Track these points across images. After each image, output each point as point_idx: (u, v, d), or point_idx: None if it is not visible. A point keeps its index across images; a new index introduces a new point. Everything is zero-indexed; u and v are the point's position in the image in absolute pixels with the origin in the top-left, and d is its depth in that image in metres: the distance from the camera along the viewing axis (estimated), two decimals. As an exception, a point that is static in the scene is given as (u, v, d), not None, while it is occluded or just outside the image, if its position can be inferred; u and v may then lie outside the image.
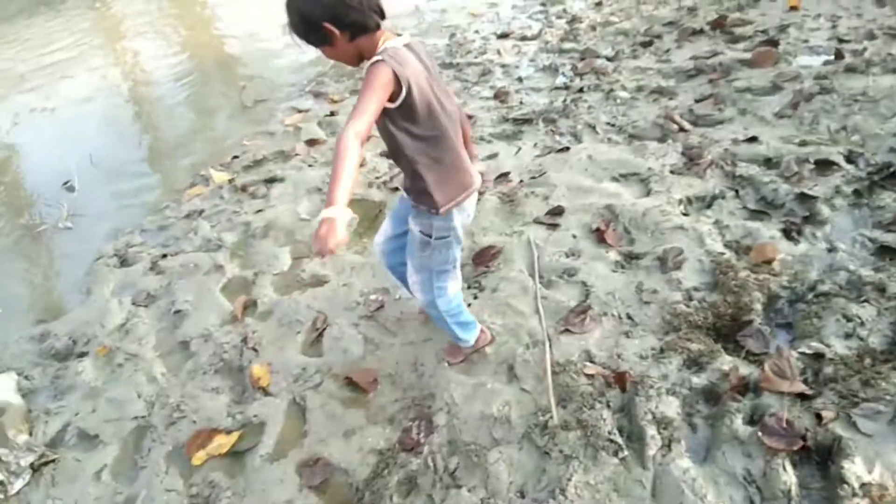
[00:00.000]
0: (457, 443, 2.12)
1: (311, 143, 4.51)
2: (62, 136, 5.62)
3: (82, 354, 3.01)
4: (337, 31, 1.70)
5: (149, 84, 6.59)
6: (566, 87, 4.59)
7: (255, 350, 2.75)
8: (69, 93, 6.52)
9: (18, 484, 2.39)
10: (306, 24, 1.72)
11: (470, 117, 4.15)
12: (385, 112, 1.70)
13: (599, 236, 2.92)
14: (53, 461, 2.48)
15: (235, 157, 4.58)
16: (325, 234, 1.47)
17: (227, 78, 6.45)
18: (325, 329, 2.78)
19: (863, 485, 1.69)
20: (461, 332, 2.34)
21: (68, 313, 3.32)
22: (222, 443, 2.36)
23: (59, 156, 5.12)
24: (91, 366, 2.91)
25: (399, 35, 1.80)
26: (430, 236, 1.98)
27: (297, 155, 4.38)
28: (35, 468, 2.44)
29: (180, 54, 7.18)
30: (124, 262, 3.64)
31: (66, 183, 4.71)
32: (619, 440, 1.99)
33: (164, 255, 3.57)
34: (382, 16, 1.75)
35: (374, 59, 1.66)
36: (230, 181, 4.24)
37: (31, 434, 2.59)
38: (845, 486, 1.70)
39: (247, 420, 2.44)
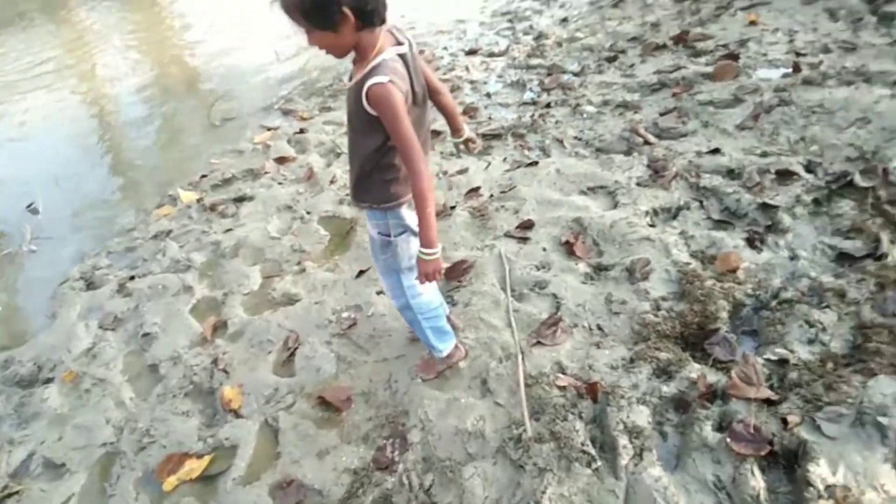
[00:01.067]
0: (431, 459, 2.12)
1: (281, 160, 4.49)
2: (25, 157, 5.51)
3: (48, 381, 2.95)
4: (353, 18, 1.61)
5: (116, 103, 6.51)
6: (534, 103, 4.65)
7: (225, 371, 2.72)
8: (33, 112, 6.40)
9: (-19, 517, 2.33)
10: (320, 3, 1.59)
11: (438, 133, 4.16)
12: (375, 118, 1.71)
13: (569, 249, 2.95)
14: (17, 493, 2.41)
15: (204, 176, 4.53)
16: (433, 271, 1.87)
17: (196, 96, 6.40)
18: (297, 348, 2.76)
19: (828, 487, 1.73)
20: (436, 339, 2.34)
21: (33, 339, 3.25)
22: (193, 467, 2.33)
23: (22, 177, 5.02)
24: (57, 392, 2.85)
25: (399, 42, 1.77)
26: (390, 234, 2.00)
27: (266, 173, 4.36)
28: (-2, 501, 2.39)
29: (148, 72, 7.11)
30: (91, 284, 3.58)
31: (29, 205, 4.62)
32: (592, 451, 2.00)
33: (132, 277, 3.52)
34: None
35: (380, 79, 1.63)
36: (199, 200, 4.20)
37: (-6, 465, 2.52)
38: (811, 488, 1.73)
39: (218, 443, 2.41)
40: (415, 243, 2.05)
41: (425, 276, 1.88)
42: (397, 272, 2.11)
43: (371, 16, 1.65)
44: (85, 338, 3.14)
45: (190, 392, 2.69)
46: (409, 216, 1.99)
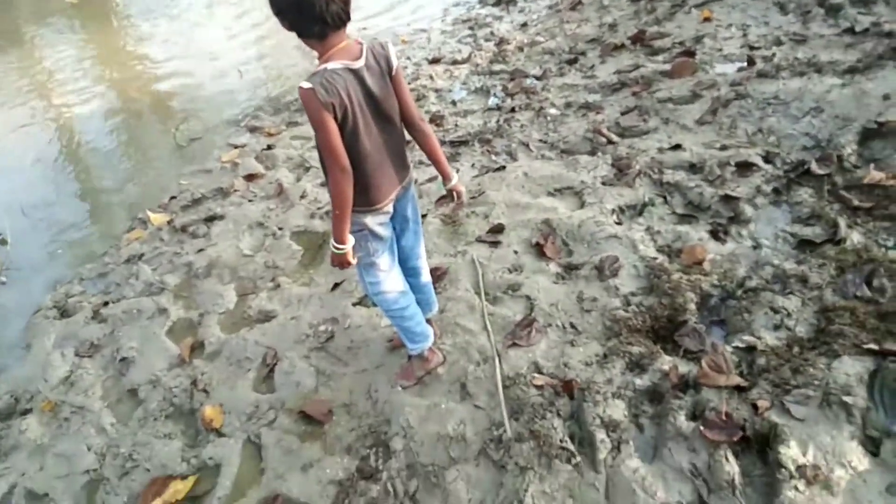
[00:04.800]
0: (415, 466, 2.15)
1: (250, 177, 4.49)
2: (-9, 187, 5.43)
3: (26, 412, 2.92)
4: (286, 26, 1.79)
5: (80, 128, 6.43)
6: (498, 108, 4.71)
7: (205, 392, 2.72)
8: (-4, 142, 6.32)
9: (-36, 554, 2.30)
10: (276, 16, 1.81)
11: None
12: None
13: (539, 250, 3.01)
14: (0, 526, 2.40)
15: (173, 197, 4.51)
16: (338, 262, 2.01)
17: (161, 118, 6.36)
18: (275, 364, 2.77)
19: (799, 467, 1.80)
20: (407, 339, 2.38)
21: (8, 371, 3.21)
22: (178, 489, 2.33)
23: (-12, 208, 4.95)
24: (36, 422, 2.82)
25: (360, 54, 1.81)
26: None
27: (235, 191, 4.36)
28: (-19, 536, 2.36)
29: (111, 96, 7.03)
30: (64, 313, 3.54)
31: (-3, 237, 4.56)
32: (571, 447, 2.05)
33: (106, 303, 3.49)
34: (336, 24, 1.74)
35: (304, 84, 1.72)
36: (169, 222, 4.18)
37: (-26, 501, 2.49)
38: (783, 470, 1.80)
39: (202, 463, 2.42)
40: (373, 243, 2.10)
41: (332, 264, 2.04)
42: (359, 266, 2.16)
43: (297, 28, 1.78)
44: (61, 366, 3.11)
45: (171, 414, 2.68)
46: (367, 219, 2.03)
